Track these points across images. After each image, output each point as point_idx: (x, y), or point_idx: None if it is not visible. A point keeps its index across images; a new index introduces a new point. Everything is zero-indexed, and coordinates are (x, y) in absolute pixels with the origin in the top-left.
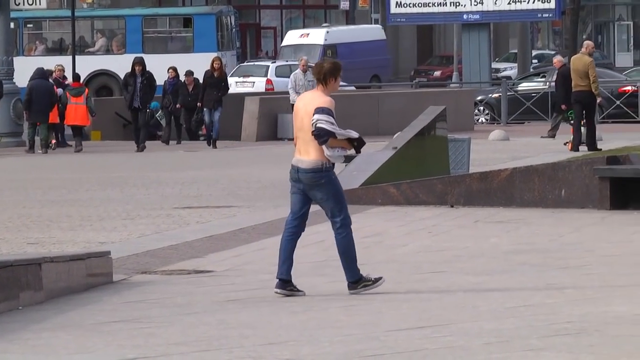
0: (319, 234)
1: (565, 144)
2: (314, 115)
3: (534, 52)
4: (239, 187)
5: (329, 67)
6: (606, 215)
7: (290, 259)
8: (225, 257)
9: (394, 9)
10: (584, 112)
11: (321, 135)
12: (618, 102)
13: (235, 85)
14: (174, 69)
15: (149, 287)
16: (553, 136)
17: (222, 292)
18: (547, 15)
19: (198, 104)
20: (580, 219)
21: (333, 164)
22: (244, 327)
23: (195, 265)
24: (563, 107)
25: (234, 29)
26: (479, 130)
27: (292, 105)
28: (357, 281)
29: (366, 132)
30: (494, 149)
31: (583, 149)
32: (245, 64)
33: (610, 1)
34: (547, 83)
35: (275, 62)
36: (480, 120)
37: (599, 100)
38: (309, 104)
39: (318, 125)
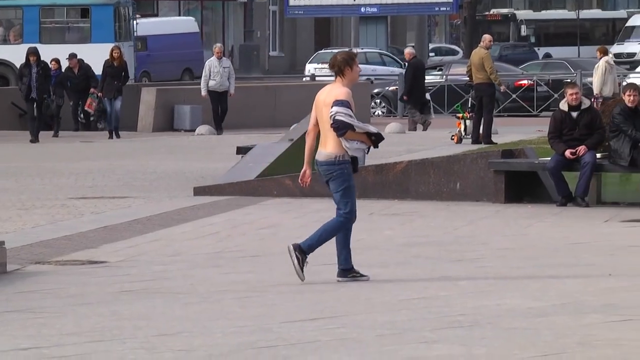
0: (213, 226)
1: (452, 137)
2: (332, 107)
3: (432, 46)
4: (134, 177)
5: (342, 58)
6: (500, 209)
7: (347, 247)
8: (119, 248)
9: (292, 1)
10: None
11: (340, 128)
12: (514, 96)
13: (314, 71)
14: (57, 61)
15: (43, 277)
16: (414, 129)
17: (115, 283)
18: (444, 8)
19: (98, 93)
20: (474, 212)
21: (349, 159)
22: (138, 318)
23: (89, 256)
24: (405, 98)
25: (132, 20)
26: (376, 123)
27: (209, 92)
28: (305, 253)
29: (263, 124)
30: (390, 141)
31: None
32: (323, 51)
33: None
34: (444, 76)
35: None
36: (376, 113)
37: (502, 88)
38: (327, 96)
39: (336, 117)
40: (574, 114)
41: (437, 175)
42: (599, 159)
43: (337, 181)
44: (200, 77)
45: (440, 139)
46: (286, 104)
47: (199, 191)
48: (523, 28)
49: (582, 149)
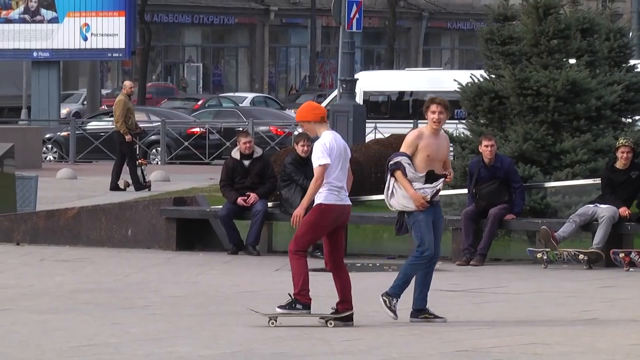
0: None
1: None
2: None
3: (104, 92)
4: None
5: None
6: (172, 256)
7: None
8: None
9: None
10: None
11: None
12: (186, 144)
13: None
14: None
15: None
16: None
17: None
18: (117, 55)
19: None
20: (146, 259)
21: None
22: None
23: None
24: None
25: None
26: (47, 168)
27: None
28: (421, 310)
29: None
30: (61, 187)
31: (158, 188)
32: None
33: (180, 42)
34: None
35: None
36: (48, 158)
37: (127, 138)
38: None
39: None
40: (246, 163)
41: (108, 221)
42: (270, 207)
43: (410, 217)
44: None
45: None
46: None
47: None
48: None
49: (253, 197)
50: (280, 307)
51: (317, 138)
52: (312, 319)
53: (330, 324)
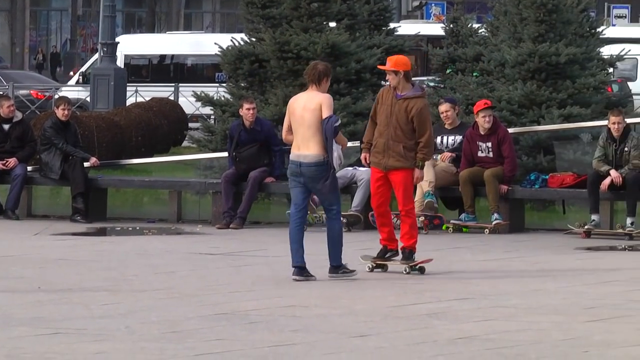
0: None
1: None
2: (327, 116)
3: None
4: None
5: (323, 69)
6: None
7: (302, 246)
8: None
9: None
10: None
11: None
12: None
13: None
14: None
15: None
16: None
17: None
18: None
19: None
20: None
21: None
22: None
23: None
24: None
25: None
26: None
27: None
28: (338, 266)
29: None
30: None
31: None
32: None
33: None
34: None
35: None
36: None
37: None
38: (308, 102)
39: (335, 125)
40: (6, 127)
41: None
42: (29, 171)
43: (329, 180)
44: None
45: None
46: None
47: None
48: None
49: (12, 161)
50: None
51: None
52: None
53: None
